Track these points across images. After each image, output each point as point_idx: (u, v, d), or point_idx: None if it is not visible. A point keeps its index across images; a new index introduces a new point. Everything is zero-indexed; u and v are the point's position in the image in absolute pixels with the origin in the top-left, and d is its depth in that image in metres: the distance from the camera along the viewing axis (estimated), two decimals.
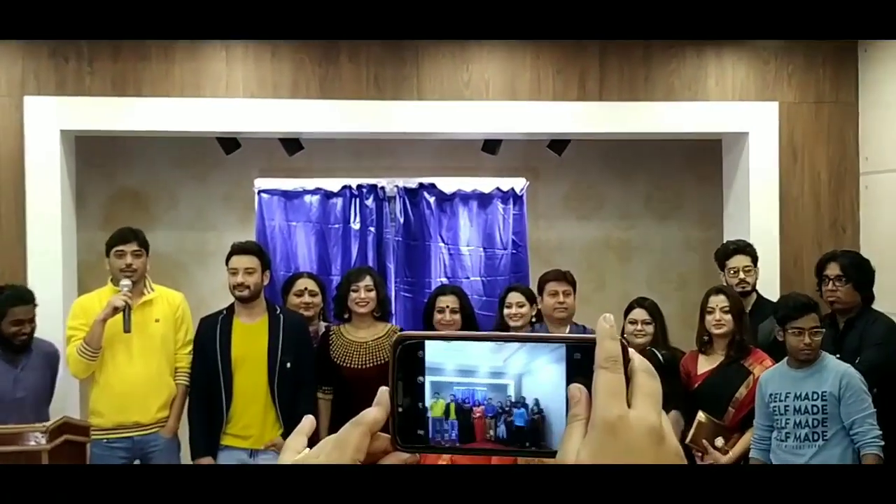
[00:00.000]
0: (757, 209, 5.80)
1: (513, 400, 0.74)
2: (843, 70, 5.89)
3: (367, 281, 4.80)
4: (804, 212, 5.88)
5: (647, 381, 0.70)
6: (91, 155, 6.31)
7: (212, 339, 4.68)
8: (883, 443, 3.94)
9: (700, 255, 6.82)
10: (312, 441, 0.79)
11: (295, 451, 0.76)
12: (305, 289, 5.07)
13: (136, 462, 4.72)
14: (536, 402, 0.73)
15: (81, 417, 4.86)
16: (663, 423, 0.69)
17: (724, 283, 4.90)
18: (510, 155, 6.60)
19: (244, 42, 5.58)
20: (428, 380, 0.75)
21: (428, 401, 0.75)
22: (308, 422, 0.80)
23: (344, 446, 0.73)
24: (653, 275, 6.97)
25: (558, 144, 6.34)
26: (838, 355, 4.23)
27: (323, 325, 5.12)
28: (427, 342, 0.75)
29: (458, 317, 4.82)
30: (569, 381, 0.72)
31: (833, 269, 4.67)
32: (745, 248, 5.03)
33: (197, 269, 6.73)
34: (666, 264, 6.97)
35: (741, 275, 4.89)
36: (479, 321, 5.18)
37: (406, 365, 0.75)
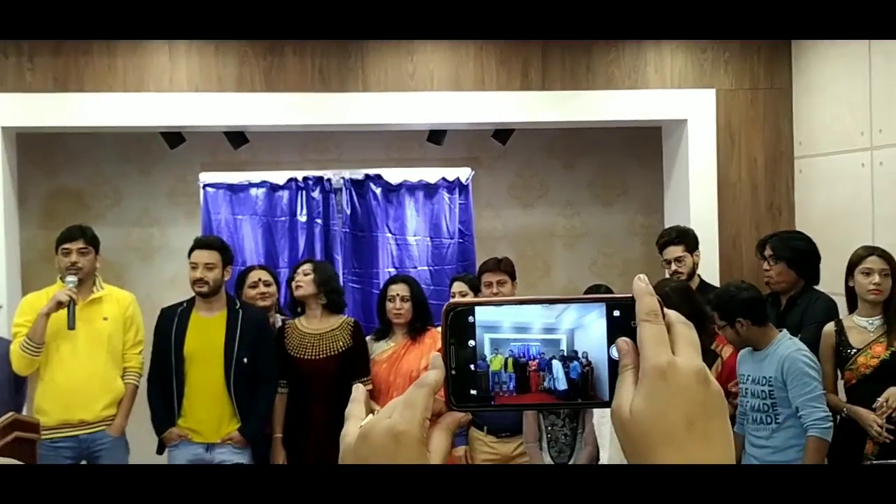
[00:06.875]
0: (696, 194, 5.94)
1: (565, 354, 0.79)
2: (776, 57, 6.05)
3: (306, 267, 4.85)
4: (742, 195, 6.03)
5: (685, 330, 0.76)
6: (32, 152, 6.21)
7: (167, 330, 4.68)
8: (829, 424, 3.95)
9: (643, 241, 6.96)
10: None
11: (359, 419, 0.79)
12: (259, 279, 5.08)
13: (83, 462, 4.66)
14: (585, 356, 0.79)
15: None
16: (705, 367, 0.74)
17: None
18: (455, 145, 6.66)
19: None
20: (487, 337, 0.79)
21: (488, 356, 0.79)
22: (361, 390, 0.83)
23: (413, 406, 0.76)
24: (597, 260, 7.08)
25: (502, 134, 6.42)
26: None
27: (280, 318, 5.14)
28: (477, 307, 0.80)
29: (408, 304, 4.85)
30: (609, 336, 0.78)
31: (767, 251, 4.82)
32: (676, 239, 5.11)
33: (141, 266, 6.67)
34: (610, 250, 7.09)
35: (674, 265, 5.02)
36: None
37: (457, 330, 0.80)
